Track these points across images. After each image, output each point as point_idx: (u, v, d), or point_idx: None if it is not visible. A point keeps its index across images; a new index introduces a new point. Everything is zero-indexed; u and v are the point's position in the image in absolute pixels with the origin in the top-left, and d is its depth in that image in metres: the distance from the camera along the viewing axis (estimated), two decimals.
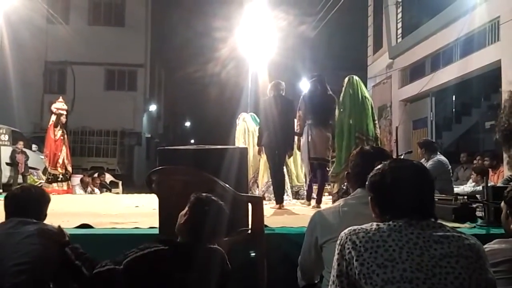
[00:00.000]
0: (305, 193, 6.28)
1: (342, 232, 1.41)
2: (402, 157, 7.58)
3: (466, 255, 1.29)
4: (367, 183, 1.52)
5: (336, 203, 2.08)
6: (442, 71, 10.18)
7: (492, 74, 8.85)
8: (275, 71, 11.78)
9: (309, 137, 5.53)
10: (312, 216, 2.06)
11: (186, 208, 2.09)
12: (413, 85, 11.67)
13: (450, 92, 10.75)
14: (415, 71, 12.03)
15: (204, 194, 2.15)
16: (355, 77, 5.43)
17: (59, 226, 2.36)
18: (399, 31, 12.56)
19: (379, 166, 1.49)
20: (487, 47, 8.71)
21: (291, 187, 6.72)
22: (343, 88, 5.40)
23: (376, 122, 5.44)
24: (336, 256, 1.39)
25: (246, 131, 7.21)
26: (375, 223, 1.39)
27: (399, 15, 12.62)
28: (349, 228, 1.41)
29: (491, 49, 8.57)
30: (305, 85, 16.29)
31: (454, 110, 12.53)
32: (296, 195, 6.82)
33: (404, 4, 12.53)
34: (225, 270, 2.07)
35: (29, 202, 2.34)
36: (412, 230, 1.34)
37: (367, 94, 5.40)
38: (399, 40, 12.50)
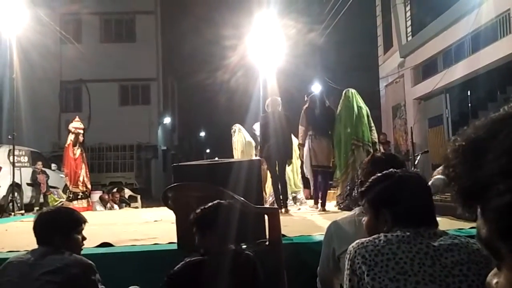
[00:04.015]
0: (302, 198, 7.18)
1: (350, 246, 1.39)
2: (418, 157, 7.55)
3: (476, 260, 1.27)
4: (369, 197, 1.50)
5: (351, 212, 2.08)
6: (455, 67, 10.06)
7: (507, 67, 8.73)
8: (285, 77, 11.80)
9: (310, 147, 6.13)
10: (328, 227, 2.06)
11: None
12: (426, 82, 11.56)
13: (464, 87, 10.59)
14: (427, 69, 11.91)
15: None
16: (351, 90, 6.08)
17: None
18: (409, 29, 12.47)
19: (374, 179, 1.49)
20: (499, 41, 8.60)
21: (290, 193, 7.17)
22: (340, 101, 6.08)
23: (373, 128, 6.04)
24: (346, 271, 1.37)
25: (244, 142, 7.43)
26: (382, 234, 1.37)
27: (408, 13, 12.53)
28: (357, 241, 1.39)
29: (503, 42, 8.46)
30: (315, 91, 16.24)
31: (470, 105, 12.35)
32: (294, 199, 7.19)
33: (413, 1, 12.45)
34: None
35: (54, 229, 2.19)
36: (421, 240, 1.32)
37: (362, 104, 6.00)
38: (409, 38, 12.41)
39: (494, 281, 0.68)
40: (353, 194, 5.81)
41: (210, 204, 2.25)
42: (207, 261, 2.09)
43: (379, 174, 1.51)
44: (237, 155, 7.46)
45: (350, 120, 5.85)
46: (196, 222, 2.23)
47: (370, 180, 1.51)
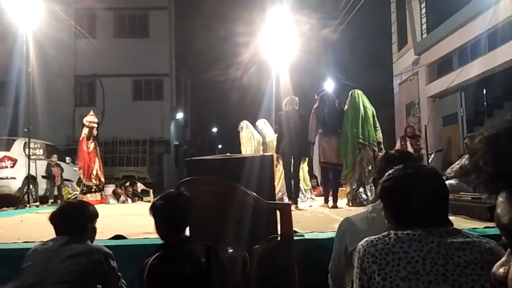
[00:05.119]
0: (313, 194, 7.48)
1: (359, 244, 1.36)
2: (432, 155, 7.49)
3: (490, 259, 1.23)
4: (379, 190, 1.46)
5: (364, 209, 2.07)
6: (470, 65, 9.92)
7: None
8: (298, 74, 11.77)
9: (320, 145, 6.33)
10: (340, 224, 2.05)
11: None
12: (441, 80, 11.42)
13: (480, 85, 10.44)
14: (442, 66, 11.77)
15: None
16: (357, 91, 6.35)
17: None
18: (424, 26, 12.32)
19: (391, 172, 1.44)
20: None
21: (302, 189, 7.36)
22: (347, 101, 6.33)
23: (378, 128, 6.30)
24: (356, 270, 1.34)
25: (252, 138, 7.51)
26: (392, 232, 1.33)
27: (423, 10, 12.38)
28: (366, 239, 1.36)
29: None
30: (328, 88, 16.16)
31: (485, 103, 12.19)
32: (304, 196, 7.39)
33: None
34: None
35: (74, 220, 2.34)
36: (432, 239, 1.29)
37: (368, 105, 6.27)
38: (424, 35, 12.26)
39: (500, 270, 0.69)
40: (359, 192, 5.94)
41: (168, 193, 2.31)
42: (162, 254, 2.15)
43: (391, 171, 1.47)
44: (244, 151, 7.53)
45: (356, 120, 6.11)
46: (151, 209, 2.29)
47: (386, 174, 1.48)
